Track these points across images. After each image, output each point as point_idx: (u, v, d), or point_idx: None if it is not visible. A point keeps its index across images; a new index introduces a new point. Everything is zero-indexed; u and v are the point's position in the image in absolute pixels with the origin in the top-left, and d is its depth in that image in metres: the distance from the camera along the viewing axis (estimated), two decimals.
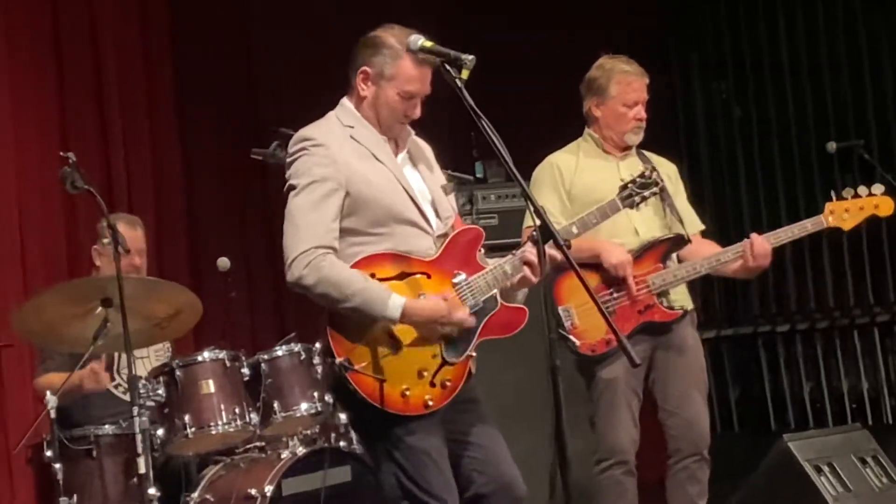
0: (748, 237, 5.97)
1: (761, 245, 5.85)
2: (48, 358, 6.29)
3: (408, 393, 4.45)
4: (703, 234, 6.25)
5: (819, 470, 6.40)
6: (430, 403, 4.48)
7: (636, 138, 6.07)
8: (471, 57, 4.44)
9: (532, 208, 4.29)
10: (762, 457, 6.72)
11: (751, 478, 6.65)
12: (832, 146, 7.79)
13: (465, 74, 4.38)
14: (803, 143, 9.64)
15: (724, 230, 9.36)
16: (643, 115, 6.04)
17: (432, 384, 4.49)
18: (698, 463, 5.98)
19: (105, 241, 6.09)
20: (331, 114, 4.69)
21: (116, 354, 6.30)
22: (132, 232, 6.34)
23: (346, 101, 4.70)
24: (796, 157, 9.75)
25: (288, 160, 4.58)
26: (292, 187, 4.51)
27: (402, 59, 4.56)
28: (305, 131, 4.60)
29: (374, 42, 4.65)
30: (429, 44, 4.48)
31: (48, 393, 5.79)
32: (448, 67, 4.38)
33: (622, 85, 6.01)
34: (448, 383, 4.51)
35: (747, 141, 10.02)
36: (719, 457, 8.11)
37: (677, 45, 10.16)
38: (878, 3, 9.44)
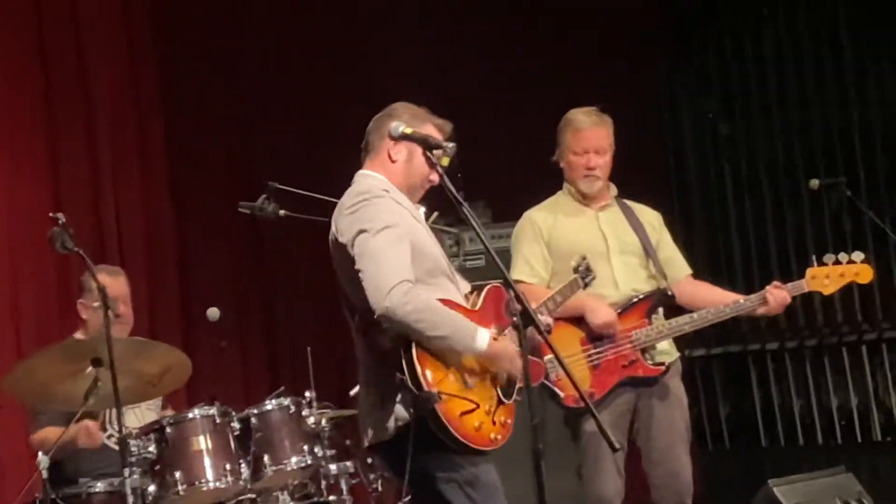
0: (744, 289, 6.07)
1: (782, 299, 5.95)
2: (41, 413, 6.27)
3: (481, 428, 4.59)
4: (696, 265, 6.32)
5: None
6: (498, 439, 4.65)
7: (589, 187, 6.11)
8: (451, 144, 4.62)
9: (513, 294, 4.37)
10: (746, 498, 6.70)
11: None
12: (815, 183, 7.82)
13: (445, 161, 4.52)
14: (790, 171, 9.65)
15: (711, 260, 9.42)
16: (593, 163, 6.05)
17: (493, 422, 4.62)
18: None
19: (91, 298, 6.17)
20: (364, 179, 4.79)
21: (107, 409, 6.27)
22: (112, 280, 6.31)
23: (371, 172, 4.82)
24: (784, 185, 9.76)
25: (347, 213, 4.62)
26: (363, 231, 4.55)
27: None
28: (358, 188, 4.73)
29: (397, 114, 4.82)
30: (409, 130, 4.59)
31: (40, 454, 5.70)
32: (427, 154, 4.52)
33: (573, 134, 6.09)
34: (507, 422, 4.68)
35: (735, 165, 10.02)
36: (705, 480, 8.16)
37: (667, 67, 10.20)
38: (865, 30, 9.49)
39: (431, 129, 4.77)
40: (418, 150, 4.71)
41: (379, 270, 4.51)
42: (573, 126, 6.08)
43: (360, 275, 4.55)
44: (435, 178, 4.72)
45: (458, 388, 4.59)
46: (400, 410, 4.56)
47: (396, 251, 4.56)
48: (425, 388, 4.50)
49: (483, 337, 4.59)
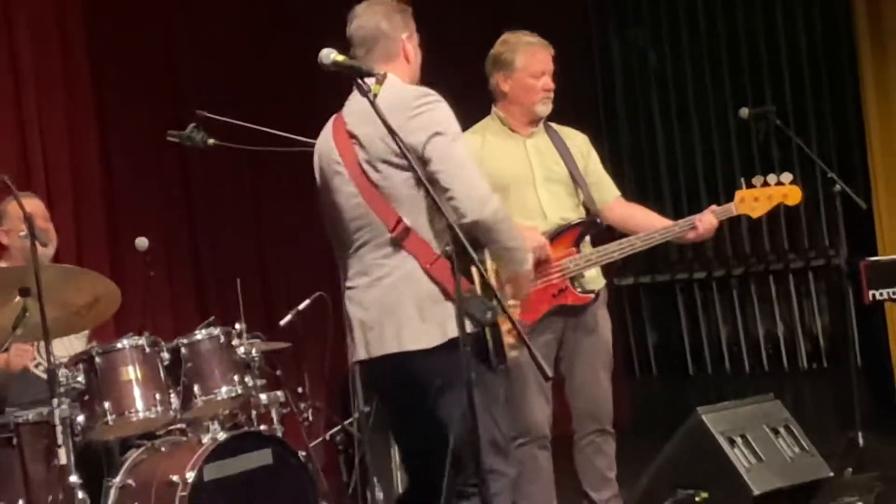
0: (674, 213, 6.11)
1: (711, 225, 5.98)
2: None
3: (509, 341, 4.62)
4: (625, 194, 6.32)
5: (732, 442, 6.48)
6: (514, 354, 4.63)
7: (545, 109, 6.08)
8: (382, 73, 4.56)
9: (452, 234, 4.31)
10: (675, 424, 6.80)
11: (665, 450, 6.73)
12: (745, 112, 7.86)
13: (376, 89, 4.44)
14: (718, 99, 9.85)
15: (640, 186, 9.51)
16: (551, 85, 6.05)
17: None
18: (603, 437, 6.11)
19: (12, 224, 6.19)
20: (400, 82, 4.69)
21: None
22: (27, 202, 6.13)
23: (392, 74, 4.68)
24: (712, 114, 9.95)
25: (419, 110, 4.51)
26: (439, 133, 4.48)
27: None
28: (413, 88, 4.65)
29: None
30: (341, 58, 4.43)
31: None
32: (360, 81, 4.40)
33: (527, 56, 6.02)
34: (514, 341, 4.63)
35: (663, 96, 10.19)
36: (632, 407, 8.26)
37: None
38: None
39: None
40: (413, 42, 4.77)
41: (472, 177, 4.49)
42: (529, 48, 6.04)
43: (440, 176, 4.45)
44: None
45: (511, 302, 4.61)
46: (453, 321, 4.36)
47: (475, 163, 4.59)
48: (494, 299, 4.41)
49: (530, 256, 4.70)
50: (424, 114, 4.51)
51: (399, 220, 4.52)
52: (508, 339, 4.59)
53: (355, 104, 4.61)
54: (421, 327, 4.46)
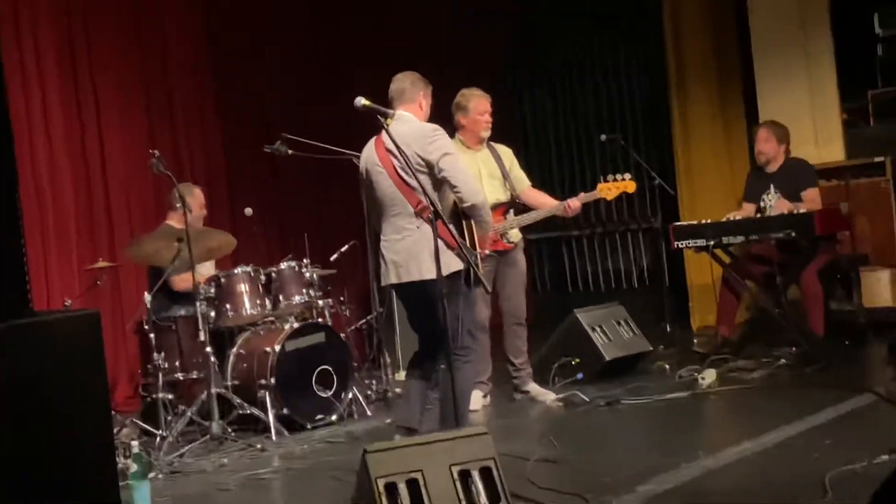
0: (563, 196, 6.07)
1: (575, 206, 5.92)
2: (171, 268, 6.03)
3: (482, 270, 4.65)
4: (533, 184, 6.21)
5: (594, 329, 6.47)
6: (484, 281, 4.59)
7: (487, 133, 6.00)
8: (393, 111, 4.55)
9: (427, 199, 4.36)
10: (561, 320, 6.73)
11: (555, 334, 6.63)
12: (603, 137, 7.97)
13: (389, 122, 4.43)
14: (589, 130, 9.62)
15: (544, 184, 9.48)
16: (489, 119, 5.98)
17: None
18: (520, 326, 6.10)
19: (178, 205, 5.98)
20: (415, 119, 4.63)
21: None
22: (192, 196, 6.26)
23: (410, 114, 4.64)
24: (584, 138, 9.75)
25: (430, 140, 4.46)
26: (448, 153, 4.45)
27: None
28: (427, 125, 4.57)
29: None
30: (367, 102, 4.30)
31: (146, 293, 5.78)
32: (380, 117, 4.37)
33: (476, 103, 5.96)
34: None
35: (556, 127, 9.99)
36: (536, 311, 8.11)
37: (512, 65, 10.08)
38: (633, 38, 9.46)
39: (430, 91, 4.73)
40: (428, 101, 4.70)
41: (468, 179, 4.47)
42: (477, 98, 5.96)
43: (450, 179, 4.42)
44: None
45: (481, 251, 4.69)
46: (452, 261, 4.42)
47: (468, 169, 4.60)
48: (477, 249, 4.60)
49: (491, 224, 4.73)
50: (437, 140, 4.49)
51: (419, 202, 4.46)
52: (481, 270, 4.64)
53: (396, 130, 4.49)
54: (432, 265, 4.31)
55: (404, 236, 4.54)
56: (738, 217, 6.68)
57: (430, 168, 4.47)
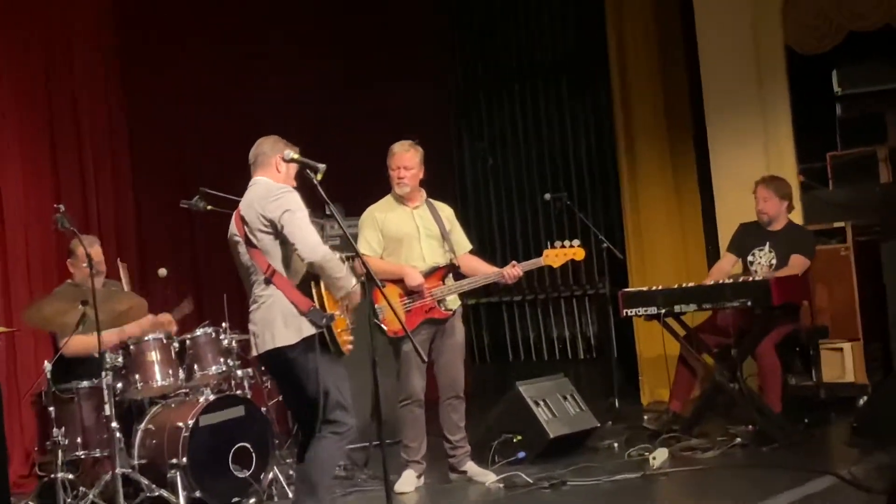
0: (503, 260, 6.15)
1: (515, 274, 5.99)
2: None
3: (346, 341, 4.67)
4: (473, 251, 6.26)
5: (537, 403, 6.47)
6: (350, 349, 4.70)
7: (399, 191, 6.03)
8: (322, 165, 4.62)
9: (365, 270, 4.49)
10: (501, 393, 6.74)
11: (496, 409, 6.66)
12: (547, 196, 8.03)
13: (319, 177, 4.55)
14: (531, 187, 9.72)
15: (483, 243, 9.50)
16: (401, 175, 5.98)
17: (347, 338, 4.70)
18: (458, 400, 6.09)
19: (78, 259, 6.05)
20: (267, 181, 4.72)
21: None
22: (94, 248, 6.18)
23: (265, 178, 4.74)
24: (527, 196, 9.82)
25: (273, 199, 4.58)
26: (288, 210, 4.54)
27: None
28: (275, 184, 4.67)
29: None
30: (296, 156, 4.60)
31: (46, 361, 5.73)
32: (308, 172, 4.54)
33: (390, 157, 6.05)
34: (352, 339, 4.72)
35: (497, 184, 10.06)
36: (475, 382, 8.09)
37: (454, 121, 10.21)
38: (579, 94, 9.61)
39: (293, 151, 4.77)
40: (293, 167, 4.74)
41: (307, 235, 4.53)
42: (391, 152, 6.07)
43: (289, 236, 4.53)
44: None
45: (337, 314, 4.66)
46: (305, 326, 4.56)
47: (311, 226, 4.61)
48: (328, 311, 4.59)
49: (353, 280, 4.69)
50: (280, 198, 4.60)
51: (269, 266, 4.62)
52: (345, 337, 4.67)
53: (245, 198, 4.72)
54: (286, 332, 4.55)
55: (259, 304, 4.68)
56: (688, 285, 6.72)
57: (275, 227, 4.58)
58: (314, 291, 4.62)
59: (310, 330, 4.56)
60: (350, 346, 4.72)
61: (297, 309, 4.57)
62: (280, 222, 4.57)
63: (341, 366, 4.71)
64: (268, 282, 4.63)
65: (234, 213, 4.80)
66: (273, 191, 4.65)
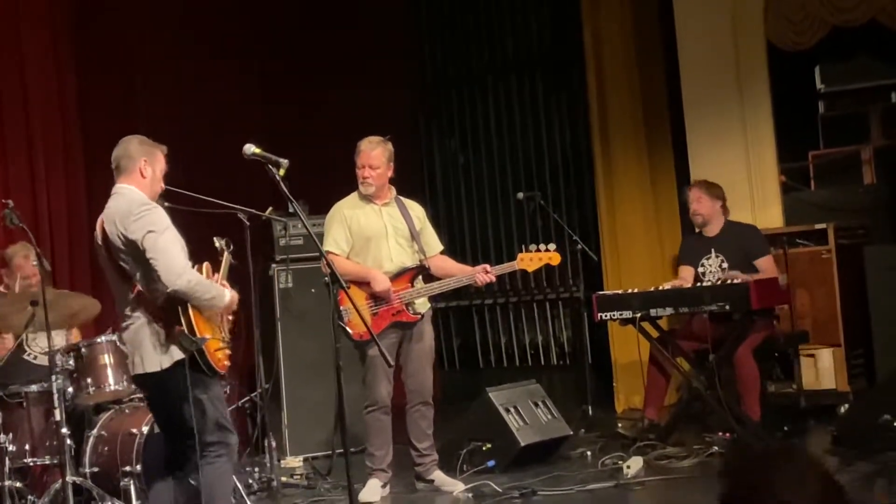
0: (474, 261, 6.18)
1: (486, 279, 6.04)
2: None
3: (221, 359, 4.66)
4: (444, 251, 6.29)
5: (508, 410, 6.47)
6: (227, 365, 4.72)
7: (364, 190, 6.04)
8: (285, 161, 4.54)
9: (325, 260, 4.43)
10: (471, 400, 6.76)
11: (465, 416, 6.68)
12: (520, 195, 8.01)
13: (282, 172, 4.50)
14: (504, 187, 9.72)
15: (453, 244, 9.49)
16: (366, 174, 5.98)
17: (223, 355, 4.68)
18: (426, 406, 6.12)
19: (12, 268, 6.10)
20: (130, 193, 4.61)
21: (24, 336, 6.12)
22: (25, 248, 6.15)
23: (130, 186, 4.63)
24: (499, 196, 9.82)
25: (135, 218, 4.47)
26: (152, 231, 4.44)
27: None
28: (139, 198, 4.56)
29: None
30: (258, 150, 4.50)
31: None
32: (270, 167, 4.49)
33: (357, 154, 6.06)
34: (229, 355, 4.73)
35: (468, 182, 10.04)
36: (444, 388, 8.09)
37: (424, 118, 10.20)
38: (554, 91, 9.63)
39: (160, 154, 4.72)
40: (158, 166, 4.66)
41: (170, 260, 4.43)
42: (358, 149, 6.07)
43: (151, 261, 4.44)
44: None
45: (211, 334, 4.61)
46: (175, 350, 4.52)
47: (176, 245, 4.51)
48: (198, 334, 4.51)
49: (226, 293, 4.67)
50: (143, 217, 4.49)
51: (135, 287, 4.55)
52: (219, 355, 4.64)
53: (107, 210, 4.62)
54: (154, 356, 4.53)
55: (128, 324, 4.65)
56: (667, 286, 6.78)
57: (137, 249, 4.48)
58: (181, 314, 4.54)
59: (179, 354, 4.52)
60: (227, 363, 4.73)
61: (165, 334, 4.53)
62: (143, 245, 4.46)
63: (218, 385, 4.74)
64: (136, 302, 4.57)
65: (98, 222, 4.69)
66: (134, 208, 4.52)
